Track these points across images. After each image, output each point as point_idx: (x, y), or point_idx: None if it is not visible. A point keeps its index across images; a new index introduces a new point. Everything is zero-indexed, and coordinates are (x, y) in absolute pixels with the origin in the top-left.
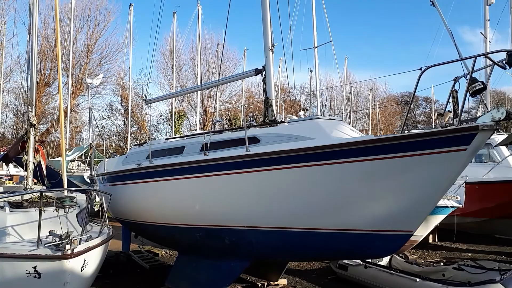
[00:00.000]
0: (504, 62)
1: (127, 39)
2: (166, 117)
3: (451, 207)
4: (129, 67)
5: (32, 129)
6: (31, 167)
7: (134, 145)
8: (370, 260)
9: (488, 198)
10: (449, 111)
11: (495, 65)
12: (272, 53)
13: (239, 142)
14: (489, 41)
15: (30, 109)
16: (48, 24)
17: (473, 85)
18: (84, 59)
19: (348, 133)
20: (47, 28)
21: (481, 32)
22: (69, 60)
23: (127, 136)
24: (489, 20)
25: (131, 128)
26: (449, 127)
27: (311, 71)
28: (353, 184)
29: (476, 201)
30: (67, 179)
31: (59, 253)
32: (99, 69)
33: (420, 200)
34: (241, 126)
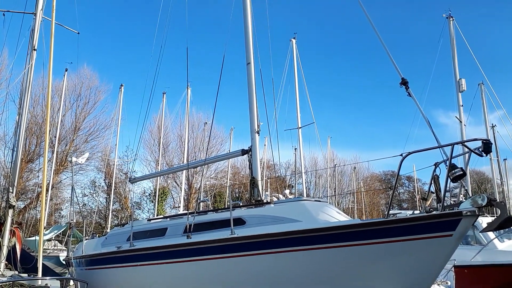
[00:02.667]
0: (480, 150)
1: (115, 117)
2: (149, 194)
3: None
4: (116, 144)
5: (10, 211)
6: (5, 251)
7: (115, 225)
8: None
9: (479, 282)
10: (432, 192)
11: (473, 153)
12: (258, 135)
13: (224, 223)
14: (464, 125)
15: (11, 190)
16: (38, 102)
17: (453, 172)
18: (71, 136)
19: (334, 215)
20: (36, 106)
21: (456, 117)
22: (55, 137)
23: (109, 214)
24: (462, 105)
25: (113, 205)
26: (433, 213)
27: (295, 149)
28: (341, 270)
29: (467, 286)
30: (42, 263)
31: None
32: (85, 146)
33: (410, 287)
34: (227, 206)
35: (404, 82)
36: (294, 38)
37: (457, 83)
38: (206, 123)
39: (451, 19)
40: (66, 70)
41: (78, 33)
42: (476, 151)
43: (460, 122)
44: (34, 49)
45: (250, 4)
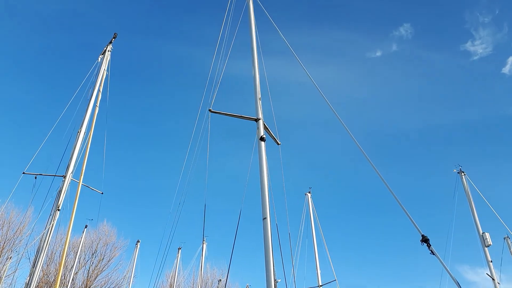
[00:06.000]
0: None
1: (128, 275)
2: None
3: None
4: None
5: None
6: None
7: None
8: None
9: None
10: None
11: None
12: None
13: None
14: (498, 283)
15: None
16: (52, 259)
17: None
18: None
19: None
20: (50, 263)
21: (487, 274)
22: None
23: None
24: (491, 261)
25: None
26: None
27: None
28: None
29: None
30: None
31: None
32: None
33: None
34: None
35: (425, 240)
36: (309, 192)
37: (481, 238)
38: (220, 280)
39: (462, 174)
40: (85, 227)
41: (102, 193)
42: None
43: (493, 279)
44: (58, 209)
45: (266, 164)
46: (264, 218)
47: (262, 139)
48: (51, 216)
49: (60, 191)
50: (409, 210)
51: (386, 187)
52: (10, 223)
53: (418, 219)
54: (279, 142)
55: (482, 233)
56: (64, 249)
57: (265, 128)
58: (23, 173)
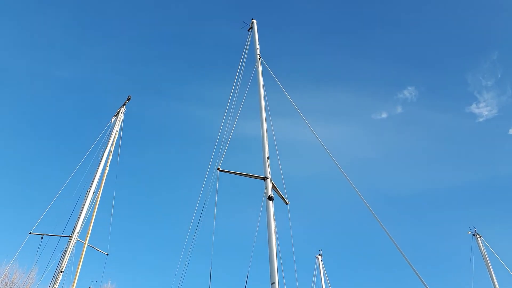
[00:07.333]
0: None
1: None
2: None
3: None
4: None
5: None
6: None
7: None
8: None
9: None
10: None
11: None
12: None
13: None
14: None
15: None
16: None
17: None
18: None
19: None
20: None
21: None
22: None
23: None
24: None
25: None
26: None
27: None
28: None
29: None
30: None
31: None
32: None
33: None
34: None
35: None
36: (320, 255)
37: None
38: None
39: (478, 236)
40: None
41: (107, 254)
42: None
43: None
44: (61, 272)
45: (275, 224)
46: (272, 283)
47: (270, 198)
48: (53, 279)
49: (64, 252)
50: (424, 275)
51: (399, 251)
52: (13, 285)
53: (434, 284)
54: (287, 202)
55: None
56: None
57: (273, 187)
58: (30, 233)
